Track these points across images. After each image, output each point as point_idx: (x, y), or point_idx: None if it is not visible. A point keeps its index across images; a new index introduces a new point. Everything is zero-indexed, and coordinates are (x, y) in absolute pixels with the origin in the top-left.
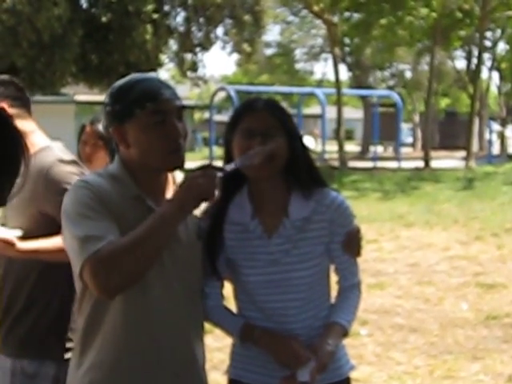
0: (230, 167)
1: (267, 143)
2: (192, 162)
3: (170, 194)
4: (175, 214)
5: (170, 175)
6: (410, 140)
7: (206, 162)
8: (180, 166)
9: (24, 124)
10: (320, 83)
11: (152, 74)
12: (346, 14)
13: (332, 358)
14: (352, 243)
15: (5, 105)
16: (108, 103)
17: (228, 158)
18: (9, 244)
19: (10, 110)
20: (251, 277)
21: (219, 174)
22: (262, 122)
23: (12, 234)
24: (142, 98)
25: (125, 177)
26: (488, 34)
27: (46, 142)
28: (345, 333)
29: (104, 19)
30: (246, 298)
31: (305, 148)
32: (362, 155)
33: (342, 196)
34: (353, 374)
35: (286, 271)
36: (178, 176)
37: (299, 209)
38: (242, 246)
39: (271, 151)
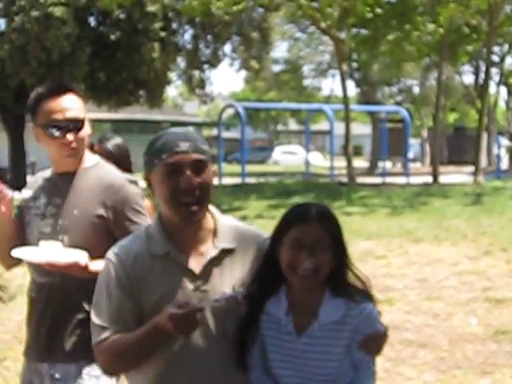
0: (216, 303)
1: (315, 256)
2: None
3: (205, 245)
4: (153, 339)
5: (207, 224)
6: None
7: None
8: (193, 220)
9: None
10: (328, 99)
11: (187, 129)
12: (354, 30)
13: None
14: (369, 342)
15: None
16: (144, 153)
17: (269, 259)
18: (83, 267)
19: None
20: (279, 370)
21: (199, 314)
22: (313, 235)
23: (83, 257)
24: (159, 150)
25: (157, 234)
26: (496, 48)
27: (95, 157)
28: None
29: (112, 37)
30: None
31: (348, 261)
32: (370, 171)
33: (373, 307)
34: None
35: (310, 369)
36: (226, 228)
37: (329, 313)
38: (274, 338)
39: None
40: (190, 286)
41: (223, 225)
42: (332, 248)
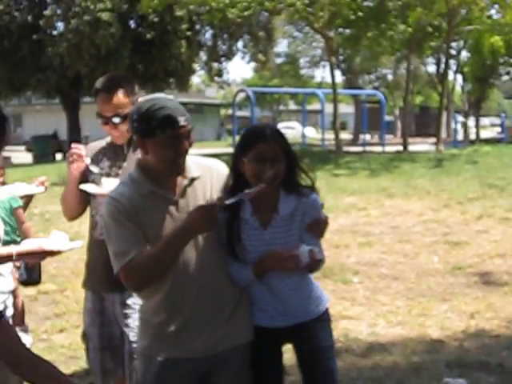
0: (229, 201)
1: (274, 167)
2: (219, 148)
3: (180, 182)
4: (179, 241)
5: None
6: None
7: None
8: (181, 173)
9: None
10: (320, 85)
11: (169, 98)
12: (340, 29)
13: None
14: (315, 226)
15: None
16: (135, 119)
17: (235, 173)
18: None
19: None
20: (253, 258)
21: (224, 204)
22: (272, 150)
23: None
24: (163, 125)
25: (140, 178)
26: (453, 44)
27: None
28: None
29: (148, 36)
30: None
31: (296, 163)
32: (353, 142)
33: (317, 196)
34: (347, 313)
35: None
36: (191, 163)
37: (286, 207)
38: (245, 235)
39: (258, 191)
40: (175, 210)
41: (188, 160)
42: (285, 158)
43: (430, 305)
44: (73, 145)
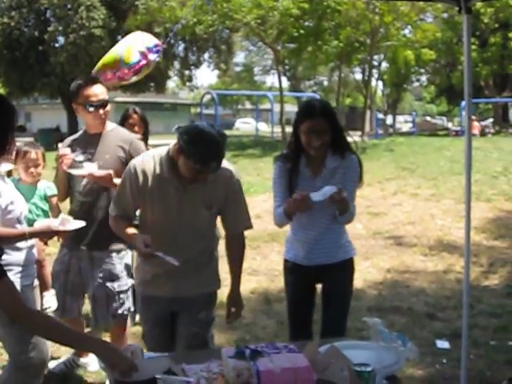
0: (172, 260)
1: (321, 138)
2: None
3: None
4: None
5: None
6: None
7: None
8: (193, 185)
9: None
10: (270, 89)
11: (218, 139)
12: (286, 44)
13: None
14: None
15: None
16: (183, 136)
17: (295, 136)
18: (111, 178)
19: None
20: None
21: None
22: (319, 125)
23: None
24: (197, 160)
25: (166, 163)
26: (375, 57)
27: (113, 124)
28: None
29: None
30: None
31: (340, 132)
32: None
33: (355, 156)
34: None
35: None
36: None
37: (332, 162)
38: (299, 180)
39: None
40: (175, 198)
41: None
42: (330, 130)
43: (356, 262)
44: (60, 151)
